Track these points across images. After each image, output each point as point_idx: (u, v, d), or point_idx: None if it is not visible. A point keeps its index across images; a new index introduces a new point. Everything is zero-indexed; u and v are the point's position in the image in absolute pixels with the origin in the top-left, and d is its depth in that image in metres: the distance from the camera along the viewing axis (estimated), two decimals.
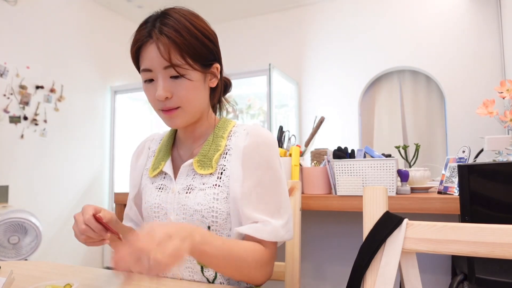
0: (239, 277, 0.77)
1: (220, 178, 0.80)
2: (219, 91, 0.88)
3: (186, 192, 0.81)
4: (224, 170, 0.80)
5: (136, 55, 0.80)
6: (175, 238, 0.59)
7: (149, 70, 0.77)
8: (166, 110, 0.79)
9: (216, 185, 0.79)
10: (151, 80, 0.78)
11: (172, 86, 0.76)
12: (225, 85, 0.93)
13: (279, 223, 0.78)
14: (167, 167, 0.85)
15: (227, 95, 0.95)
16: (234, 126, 0.87)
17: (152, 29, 0.75)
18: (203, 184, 0.80)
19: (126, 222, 0.97)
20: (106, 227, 0.73)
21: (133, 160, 0.98)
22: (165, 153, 0.88)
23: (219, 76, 0.85)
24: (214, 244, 0.68)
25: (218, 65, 0.83)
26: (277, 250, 0.82)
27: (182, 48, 0.74)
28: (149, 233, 0.58)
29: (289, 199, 0.84)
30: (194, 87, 0.78)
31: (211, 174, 0.80)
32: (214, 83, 0.84)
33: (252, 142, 0.79)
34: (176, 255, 0.57)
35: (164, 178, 0.86)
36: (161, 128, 1.02)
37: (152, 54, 0.75)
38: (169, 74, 0.76)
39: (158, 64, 0.75)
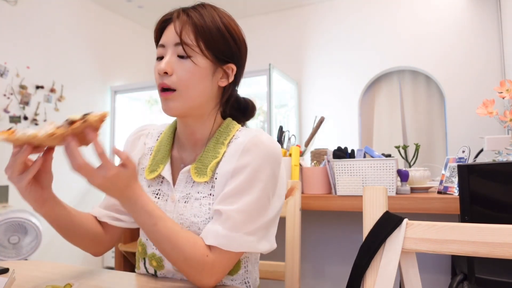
0: (175, 263, 0.70)
1: (214, 187, 0.76)
2: (230, 94, 0.84)
3: (185, 202, 0.77)
4: (216, 178, 0.76)
5: (160, 34, 0.80)
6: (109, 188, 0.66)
7: (162, 46, 0.77)
8: (162, 90, 0.75)
9: (210, 194, 0.76)
10: (161, 58, 0.77)
11: (176, 64, 0.74)
12: (245, 106, 0.90)
13: (247, 228, 0.69)
14: (166, 171, 0.80)
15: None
16: (237, 131, 0.81)
17: (179, 10, 0.78)
18: (198, 193, 0.77)
19: (100, 209, 0.90)
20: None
21: (126, 151, 0.88)
22: (164, 154, 0.82)
23: (231, 79, 0.80)
24: (144, 210, 0.68)
25: (233, 67, 0.80)
26: (232, 259, 0.71)
27: (198, 30, 0.74)
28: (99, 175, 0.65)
29: (273, 217, 0.75)
30: (198, 73, 0.74)
31: (206, 182, 0.76)
32: (223, 83, 0.80)
33: (248, 148, 0.74)
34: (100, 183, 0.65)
35: (161, 183, 0.81)
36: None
37: (169, 31, 0.76)
38: (177, 52, 0.75)
39: (171, 39, 0.75)
